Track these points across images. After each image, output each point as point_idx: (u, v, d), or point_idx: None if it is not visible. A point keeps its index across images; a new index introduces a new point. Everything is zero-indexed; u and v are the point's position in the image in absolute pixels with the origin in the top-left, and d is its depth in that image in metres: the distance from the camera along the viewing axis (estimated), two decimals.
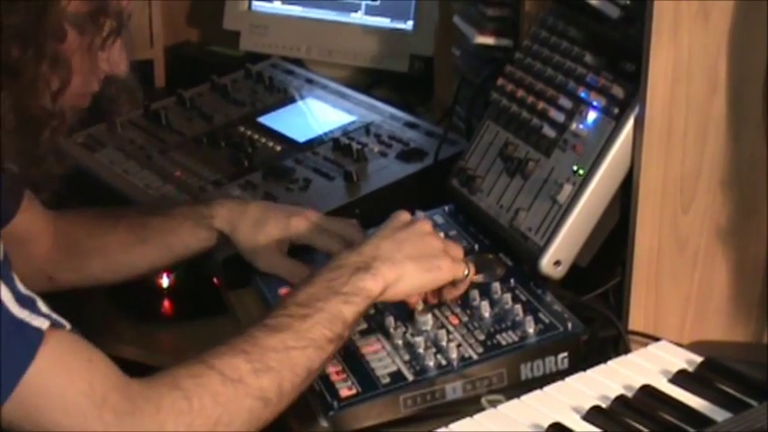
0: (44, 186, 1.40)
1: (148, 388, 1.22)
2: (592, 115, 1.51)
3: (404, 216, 1.46)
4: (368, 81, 2.39)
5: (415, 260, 1.39)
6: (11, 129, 1.19)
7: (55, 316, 1.19)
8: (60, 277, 1.66)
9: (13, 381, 1.15)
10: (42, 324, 1.17)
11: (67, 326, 1.19)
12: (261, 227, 1.62)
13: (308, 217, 1.62)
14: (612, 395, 1.26)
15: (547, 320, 1.42)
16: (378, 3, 2.41)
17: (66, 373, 1.18)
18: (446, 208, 1.72)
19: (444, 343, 1.41)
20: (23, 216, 1.54)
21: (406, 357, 1.40)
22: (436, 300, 1.48)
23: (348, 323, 1.33)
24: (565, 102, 1.55)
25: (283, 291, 1.60)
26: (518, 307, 1.44)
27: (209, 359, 1.25)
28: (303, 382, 1.29)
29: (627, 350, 1.39)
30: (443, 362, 1.38)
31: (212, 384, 1.23)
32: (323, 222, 1.62)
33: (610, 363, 1.34)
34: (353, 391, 1.36)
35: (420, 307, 1.47)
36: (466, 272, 1.45)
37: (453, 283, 1.45)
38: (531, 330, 1.41)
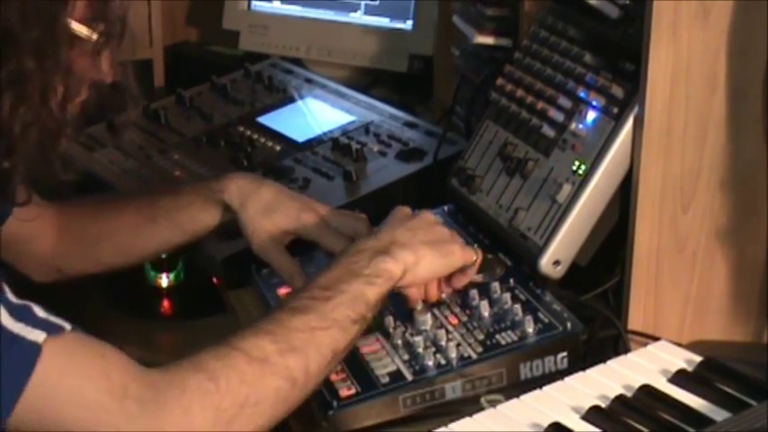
0: (55, 194, 1.41)
1: (170, 374, 1.21)
2: (591, 115, 1.51)
3: (406, 210, 1.48)
4: (367, 81, 2.39)
5: (429, 245, 1.41)
6: (31, 142, 1.19)
7: (53, 319, 1.18)
8: (69, 267, 1.65)
9: (13, 396, 1.13)
10: (38, 337, 1.15)
11: (68, 327, 1.18)
12: (270, 214, 1.58)
13: (318, 213, 1.60)
14: (612, 395, 1.26)
15: (546, 320, 1.42)
16: (377, 2, 2.41)
17: (80, 372, 1.17)
18: (445, 207, 1.72)
19: (444, 342, 1.41)
20: (24, 213, 1.52)
21: (406, 357, 1.40)
22: (450, 288, 1.49)
23: (371, 304, 1.34)
24: (564, 101, 1.55)
25: (283, 291, 1.61)
26: (517, 307, 1.44)
27: (234, 341, 1.25)
28: (329, 364, 1.29)
29: (626, 350, 1.39)
30: (443, 361, 1.38)
31: (238, 364, 1.22)
32: (333, 220, 1.60)
33: (609, 362, 1.34)
34: (353, 391, 1.36)
35: (419, 306, 1.47)
36: (475, 257, 1.48)
37: (461, 270, 1.47)
38: (530, 330, 1.41)
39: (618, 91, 1.47)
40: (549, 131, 1.56)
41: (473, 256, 1.47)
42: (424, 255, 1.40)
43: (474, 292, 1.49)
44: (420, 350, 1.40)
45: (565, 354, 1.39)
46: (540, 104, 1.59)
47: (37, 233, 1.61)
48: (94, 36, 1.23)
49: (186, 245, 1.66)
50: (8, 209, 1.50)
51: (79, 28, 1.22)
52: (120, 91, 1.34)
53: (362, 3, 2.42)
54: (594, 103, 1.51)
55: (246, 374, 1.22)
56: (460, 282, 1.48)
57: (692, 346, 1.40)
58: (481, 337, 1.42)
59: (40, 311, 1.17)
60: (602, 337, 1.43)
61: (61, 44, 1.19)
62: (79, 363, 1.17)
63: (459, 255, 1.45)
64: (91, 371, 1.17)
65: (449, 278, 1.48)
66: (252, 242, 1.59)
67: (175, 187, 1.68)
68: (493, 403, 1.30)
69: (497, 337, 1.41)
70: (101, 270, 1.68)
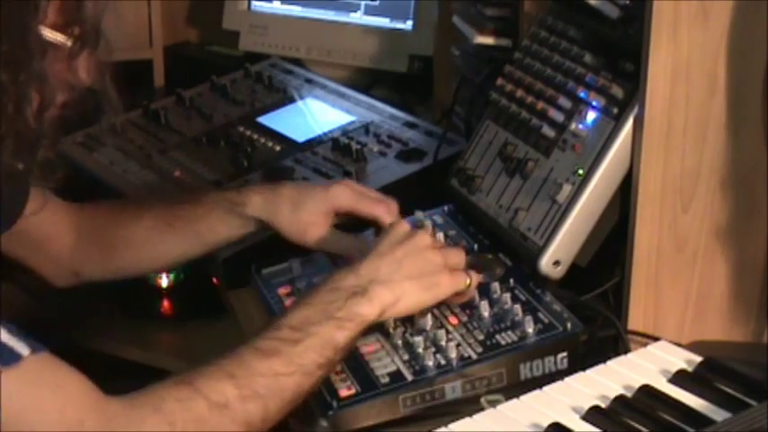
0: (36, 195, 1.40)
1: (130, 408, 1.19)
2: (591, 115, 1.51)
3: (402, 228, 1.44)
4: (367, 81, 2.39)
5: (413, 279, 1.38)
6: (8, 153, 1.16)
7: (13, 344, 1.13)
8: (87, 272, 1.64)
9: None
10: None
11: (26, 353, 1.13)
12: (300, 206, 1.57)
13: (347, 184, 1.59)
14: (612, 395, 1.26)
15: (546, 320, 1.42)
16: (377, 3, 2.41)
17: (34, 406, 1.13)
18: (445, 208, 1.72)
19: (444, 343, 1.41)
20: (40, 216, 1.50)
21: (406, 357, 1.40)
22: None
23: (340, 348, 1.32)
24: (564, 102, 1.55)
25: (282, 291, 1.61)
26: (517, 307, 1.44)
27: (197, 380, 1.23)
28: (289, 405, 1.28)
29: (626, 350, 1.39)
30: (443, 362, 1.38)
31: (197, 408, 1.21)
32: (363, 189, 1.59)
33: (609, 363, 1.34)
34: (353, 391, 1.36)
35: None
36: (468, 281, 1.44)
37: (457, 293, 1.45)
38: (530, 330, 1.41)
39: (618, 91, 1.47)
40: (549, 132, 1.56)
41: (464, 282, 1.44)
42: (407, 291, 1.38)
43: (474, 293, 1.49)
44: (420, 350, 1.40)
45: (565, 354, 1.39)
46: (540, 105, 1.59)
47: (55, 234, 1.60)
48: (69, 42, 1.21)
49: (204, 256, 1.65)
50: (19, 211, 1.49)
51: (53, 35, 1.19)
52: (97, 96, 1.31)
53: (362, 3, 2.42)
54: (594, 103, 1.51)
55: (205, 420, 1.21)
56: (456, 301, 1.46)
57: (692, 347, 1.40)
58: (481, 337, 1.42)
59: (3, 334, 1.13)
60: (602, 338, 1.43)
61: (34, 54, 1.17)
62: (34, 395, 1.14)
63: (446, 287, 1.42)
64: (46, 404, 1.14)
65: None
66: (305, 242, 1.58)
67: (194, 197, 1.65)
68: (493, 403, 1.30)
69: (497, 337, 1.41)
70: (119, 277, 1.67)
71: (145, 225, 1.62)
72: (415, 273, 1.39)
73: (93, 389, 1.19)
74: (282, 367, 1.26)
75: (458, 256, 1.46)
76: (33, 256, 1.60)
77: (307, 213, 1.57)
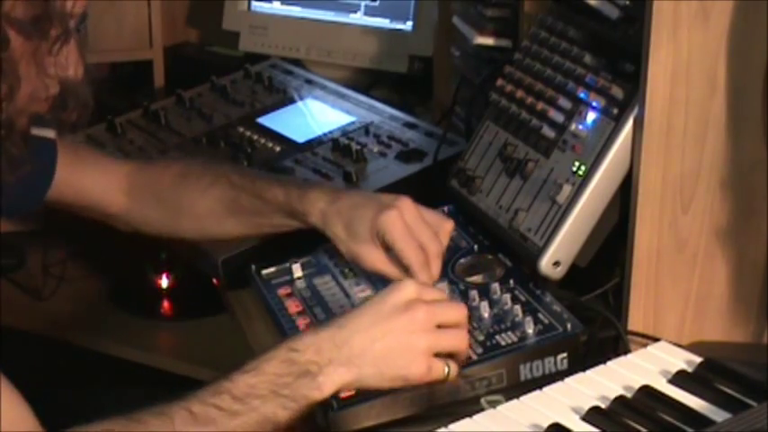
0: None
1: None
2: (591, 116, 1.51)
3: (401, 296, 1.32)
4: (367, 81, 2.39)
5: (380, 366, 1.29)
6: None
7: None
8: (144, 227, 1.70)
9: None
10: None
11: None
12: (352, 228, 1.51)
13: (400, 213, 1.48)
14: (612, 396, 1.26)
15: (546, 321, 1.42)
16: (377, 3, 2.41)
17: None
18: (445, 208, 1.72)
19: None
20: (87, 180, 1.59)
21: None
22: None
23: (280, 425, 1.26)
24: (564, 102, 1.55)
25: (282, 291, 1.61)
26: (517, 307, 1.44)
27: None
28: None
29: (626, 351, 1.39)
30: None
31: None
32: (417, 217, 1.49)
33: (609, 363, 1.33)
34: (353, 391, 1.35)
35: None
36: (446, 372, 1.33)
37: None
38: (530, 331, 1.41)
39: (618, 92, 1.47)
40: (549, 132, 1.56)
41: (439, 374, 1.32)
42: (368, 376, 1.29)
43: (474, 293, 1.49)
44: None
45: (565, 354, 1.39)
46: (540, 105, 1.59)
47: (106, 198, 1.67)
48: (36, 36, 1.21)
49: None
50: (50, 174, 1.56)
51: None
52: (65, 94, 1.30)
53: (362, 3, 2.42)
54: (594, 103, 1.51)
55: None
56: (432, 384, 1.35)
57: (692, 347, 1.40)
58: (481, 337, 1.42)
59: None
60: (602, 338, 1.43)
61: None
62: None
63: (416, 379, 1.31)
64: None
65: None
66: (356, 264, 1.55)
67: (257, 189, 1.62)
68: (493, 404, 1.30)
69: (497, 337, 1.41)
70: (177, 238, 1.71)
71: (207, 204, 1.64)
72: (384, 359, 1.30)
73: (29, 420, 1.15)
74: None
75: (453, 338, 1.35)
76: (92, 215, 1.68)
77: (357, 237, 1.52)
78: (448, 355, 1.34)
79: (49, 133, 1.38)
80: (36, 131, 1.32)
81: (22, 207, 1.66)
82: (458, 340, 1.35)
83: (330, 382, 1.28)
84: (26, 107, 1.26)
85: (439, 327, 1.34)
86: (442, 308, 1.35)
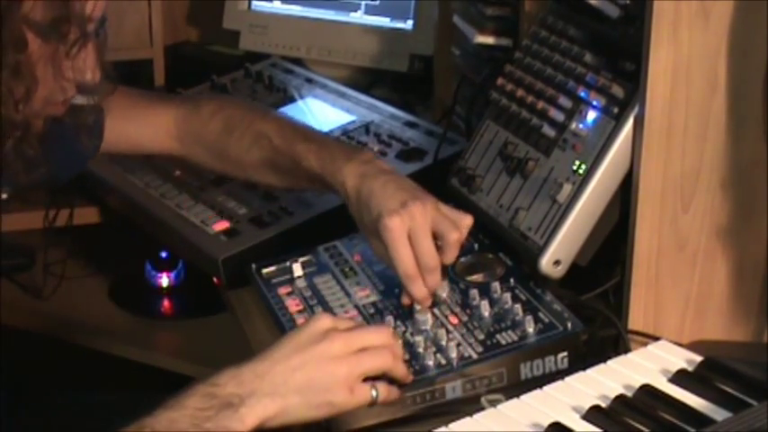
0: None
1: None
2: (591, 115, 1.51)
3: (315, 328, 1.32)
4: (368, 80, 2.39)
5: (303, 394, 1.28)
6: None
7: None
8: (193, 161, 1.77)
9: None
10: None
11: None
12: (363, 217, 1.51)
13: (405, 218, 1.46)
14: (612, 395, 1.26)
15: (546, 320, 1.42)
16: (377, 2, 2.41)
17: None
18: None
19: (444, 342, 1.41)
20: (138, 130, 1.67)
21: (406, 356, 1.40)
22: None
23: None
24: (564, 101, 1.55)
25: (282, 291, 1.61)
26: (518, 306, 1.44)
27: None
28: None
29: (626, 350, 1.39)
30: (443, 361, 1.38)
31: None
32: (416, 231, 1.46)
33: (609, 362, 1.34)
34: None
35: (419, 306, 1.47)
36: (373, 395, 1.31)
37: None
38: (530, 330, 1.41)
39: (618, 91, 1.47)
40: (549, 131, 1.56)
41: (365, 399, 1.31)
42: (292, 406, 1.28)
43: (474, 292, 1.49)
44: (420, 350, 1.40)
45: (565, 353, 1.39)
46: (541, 104, 1.59)
47: (156, 139, 1.73)
48: (54, 39, 1.20)
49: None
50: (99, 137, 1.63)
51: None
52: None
53: (363, 2, 2.42)
54: (595, 102, 1.51)
55: None
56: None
57: (693, 346, 1.40)
58: (481, 336, 1.42)
59: None
60: (603, 337, 1.43)
61: (8, 44, 1.16)
62: None
63: (341, 405, 1.30)
64: None
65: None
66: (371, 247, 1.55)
67: (295, 149, 1.62)
68: (493, 403, 1.30)
69: (498, 336, 1.41)
70: (221, 175, 1.82)
71: (250, 160, 1.68)
72: (307, 387, 1.28)
73: None
74: None
75: (376, 359, 1.33)
76: (148, 159, 1.80)
77: (366, 228, 1.51)
78: (381, 377, 1.33)
79: (94, 100, 1.39)
80: (81, 100, 1.34)
81: (71, 171, 1.70)
82: (381, 360, 1.33)
83: (253, 413, 1.25)
84: (42, 110, 1.27)
85: (361, 351, 1.33)
86: (359, 332, 1.35)
